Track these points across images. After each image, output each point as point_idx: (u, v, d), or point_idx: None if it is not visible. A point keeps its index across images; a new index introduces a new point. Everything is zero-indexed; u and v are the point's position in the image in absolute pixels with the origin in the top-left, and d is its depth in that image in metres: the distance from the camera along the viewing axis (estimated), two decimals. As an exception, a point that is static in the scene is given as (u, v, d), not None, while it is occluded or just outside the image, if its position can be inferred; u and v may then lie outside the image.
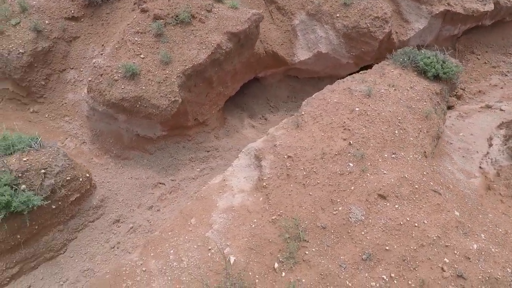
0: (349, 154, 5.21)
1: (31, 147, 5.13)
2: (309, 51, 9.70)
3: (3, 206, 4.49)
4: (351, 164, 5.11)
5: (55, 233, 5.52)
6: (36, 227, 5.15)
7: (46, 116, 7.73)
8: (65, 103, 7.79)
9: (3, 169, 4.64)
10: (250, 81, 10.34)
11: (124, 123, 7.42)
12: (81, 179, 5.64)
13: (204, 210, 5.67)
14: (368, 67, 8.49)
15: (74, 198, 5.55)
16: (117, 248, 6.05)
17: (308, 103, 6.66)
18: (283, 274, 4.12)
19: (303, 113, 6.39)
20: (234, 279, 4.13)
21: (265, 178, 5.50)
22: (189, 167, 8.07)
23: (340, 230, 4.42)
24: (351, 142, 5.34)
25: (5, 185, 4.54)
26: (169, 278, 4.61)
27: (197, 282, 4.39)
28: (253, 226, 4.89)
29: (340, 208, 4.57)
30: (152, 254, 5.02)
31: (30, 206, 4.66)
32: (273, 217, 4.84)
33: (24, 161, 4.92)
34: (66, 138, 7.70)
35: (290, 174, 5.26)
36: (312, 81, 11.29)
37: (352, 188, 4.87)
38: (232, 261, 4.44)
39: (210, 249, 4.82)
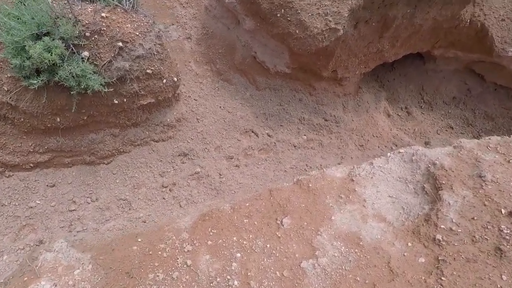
0: None
1: (120, 3, 3.28)
2: (544, 47, 6.04)
3: (46, 68, 2.81)
4: None
5: (106, 136, 3.93)
6: (85, 118, 3.55)
7: (162, -13, 5.94)
8: (189, -21, 5.85)
9: (69, 16, 2.87)
10: (409, 56, 7.20)
11: (246, 34, 5.30)
12: (164, 81, 3.77)
13: (307, 213, 3.47)
14: None
15: (145, 103, 3.77)
16: (170, 190, 4.33)
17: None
18: None
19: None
20: None
21: (444, 227, 2.95)
22: (295, 129, 5.83)
23: None
24: None
25: (60, 38, 2.80)
26: (220, 305, 2.65)
27: None
28: (397, 306, 2.53)
29: None
30: (209, 243, 3.09)
31: (82, 86, 2.91)
32: (446, 318, 2.39)
33: (102, 17, 3.11)
34: (172, 25, 5.91)
35: (506, 251, 2.61)
36: (501, 92, 7.64)
37: None
38: None
39: (303, 296, 2.67)
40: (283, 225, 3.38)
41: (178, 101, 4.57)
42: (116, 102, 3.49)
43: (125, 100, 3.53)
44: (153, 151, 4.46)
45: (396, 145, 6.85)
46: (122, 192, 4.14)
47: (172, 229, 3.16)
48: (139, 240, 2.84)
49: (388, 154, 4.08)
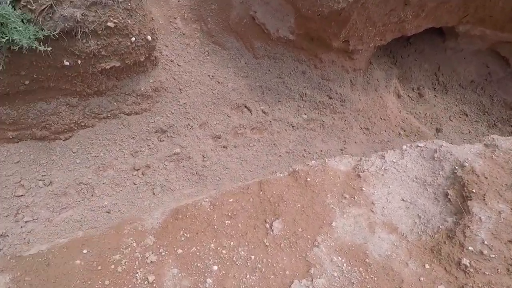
0: None
1: None
2: None
3: (-49, 10, 1.98)
4: None
5: (60, 105, 3.15)
6: (26, 82, 2.75)
7: None
8: None
9: None
10: (429, 31, 6.28)
11: (245, -12, 4.36)
12: (133, 40, 2.93)
13: (303, 216, 2.86)
14: None
15: (108, 67, 2.95)
16: (142, 174, 3.66)
17: None
18: None
19: None
20: None
21: (472, 248, 2.35)
22: (295, 105, 5.09)
23: None
24: None
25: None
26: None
27: None
28: None
29: None
30: (179, 251, 2.48)
31: (5, 39, 2.10)
32: None
33: None
34: (157, -30, 4.88)
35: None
36: (525, 77, 6.86)
37: None
38: None
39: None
40: (272, 230, 2.77)
41: (156, 66, 3.75)
42: (68, 63, 2.68)
43: (79, 61, 2.72)
44: (123, 126, 3.71)
45: (405, 130, 6.20)
46: (83, 174, 3.44)
47: (133, 231, 2.52)
48: (85, 251, 2.19)
49: (404, 147, 3.41)
